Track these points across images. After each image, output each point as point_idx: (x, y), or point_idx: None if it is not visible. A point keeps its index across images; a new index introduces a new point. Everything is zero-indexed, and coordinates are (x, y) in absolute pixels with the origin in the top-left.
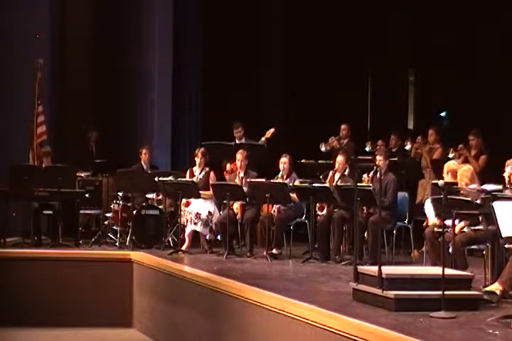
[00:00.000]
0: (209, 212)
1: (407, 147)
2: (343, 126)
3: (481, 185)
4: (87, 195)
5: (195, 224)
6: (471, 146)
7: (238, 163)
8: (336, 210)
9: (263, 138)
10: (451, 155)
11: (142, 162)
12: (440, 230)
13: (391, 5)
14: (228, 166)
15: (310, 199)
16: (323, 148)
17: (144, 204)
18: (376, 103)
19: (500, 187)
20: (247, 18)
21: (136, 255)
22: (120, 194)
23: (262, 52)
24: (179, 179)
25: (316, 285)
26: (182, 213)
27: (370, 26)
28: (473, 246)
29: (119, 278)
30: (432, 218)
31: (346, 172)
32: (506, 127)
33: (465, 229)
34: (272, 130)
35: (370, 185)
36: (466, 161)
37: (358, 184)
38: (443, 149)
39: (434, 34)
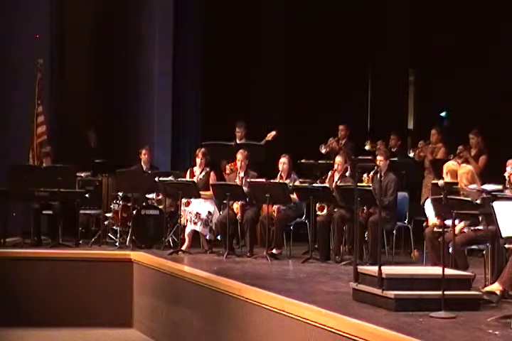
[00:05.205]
0: (209, 212)
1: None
2: (341, 127)
3: (481, 185)
4: (87, 195)
5: (195, 224)
6: (471, 145)
7: (238, 163)
8: (335, 210)
9: (264, 140)
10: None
11: (142, 162)
12: (440, 230)
13: (391, 5)
14: (227, 167)
15: (310, 199)
16: (323, 150)
17: (144, 204)
18: (376, 103)
19: (500, 187)
20: (247, 18)
21: (136, 255)
22: (120, 194)
23: (262, 52)
24: (179, 179)
25: (316, 285)
26: (182, 213)
27: (370, 26)
28: (473, 246)
29: (119, 278)
30: (431, 218)
31: (347, 173)
32: (506, 127)
33: (465, 230)
34: (273, 133)
35: (370, 185)
36: (466, 162)
37: (358, 184)
38: (446, 148)
39: (434, 34)
